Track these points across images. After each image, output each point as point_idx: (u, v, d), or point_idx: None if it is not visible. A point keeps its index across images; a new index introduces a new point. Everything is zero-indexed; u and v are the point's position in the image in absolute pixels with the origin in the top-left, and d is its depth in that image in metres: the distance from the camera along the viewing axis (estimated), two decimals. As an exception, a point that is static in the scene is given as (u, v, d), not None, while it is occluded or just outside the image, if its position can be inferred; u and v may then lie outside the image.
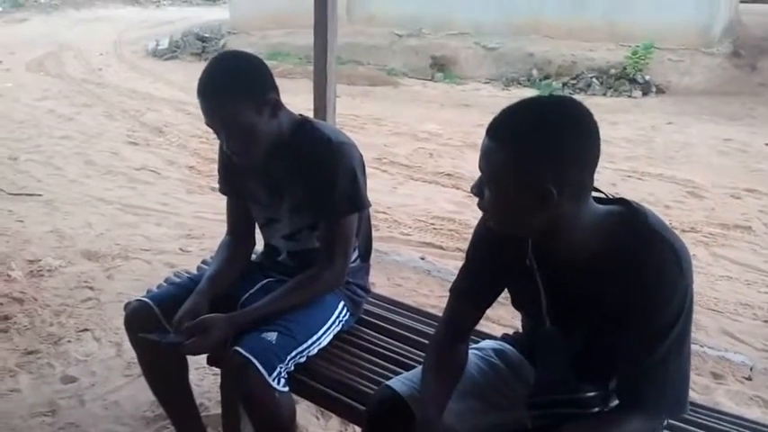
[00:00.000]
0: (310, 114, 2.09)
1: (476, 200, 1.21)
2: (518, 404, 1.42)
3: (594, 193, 1.21)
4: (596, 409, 1.26)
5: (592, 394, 1.33)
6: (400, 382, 1.41)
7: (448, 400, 1.31)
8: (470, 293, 1.40)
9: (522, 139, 1.10)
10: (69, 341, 2.77)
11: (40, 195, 4.69)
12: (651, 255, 1.13)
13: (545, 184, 1.08)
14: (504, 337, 1.60)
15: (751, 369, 2.70)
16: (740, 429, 1.56)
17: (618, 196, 1.23)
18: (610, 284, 1.16)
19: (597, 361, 1.28)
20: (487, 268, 1.36)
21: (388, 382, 1.44)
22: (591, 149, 1.12)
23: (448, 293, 1.45)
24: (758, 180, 5.27)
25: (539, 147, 1.09)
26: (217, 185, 1.99)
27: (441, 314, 1.96)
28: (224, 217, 1.98)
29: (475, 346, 1.57)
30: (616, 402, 1.31)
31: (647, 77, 8.65)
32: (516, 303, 1.42)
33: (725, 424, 1.58)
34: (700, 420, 1.58)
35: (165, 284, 1.99)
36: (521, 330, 1.56)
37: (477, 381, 1.42)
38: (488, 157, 1.14)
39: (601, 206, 1.19)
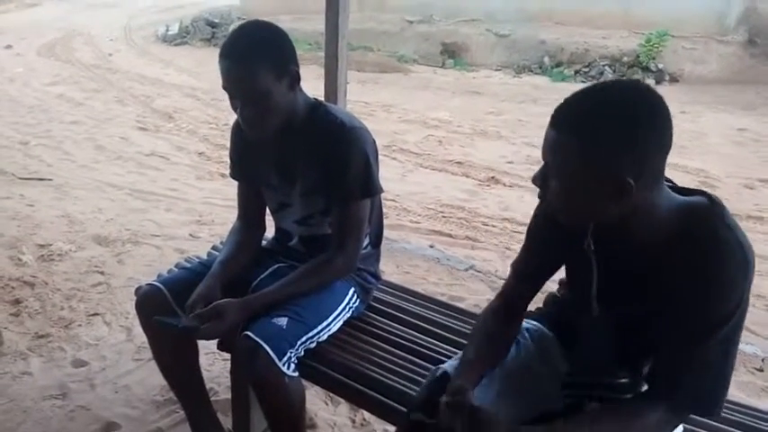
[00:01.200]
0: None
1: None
2: (550, 384, 1.40)
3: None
4: (628, 396, 1.24)
5: (625, 380, 1.32)
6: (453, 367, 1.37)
7: (486, 369, 1.29)
8: (527, 271, 1.41)
9: (597, 128, 1.05)
10: (80, 325, 2.79)
11: (50, 180, 4.71)
12: (721, 250, 1.09)
13: (623, 176, 1.04)
14: (529, 314, 1.56)
15: (763, 360, 2.68)
16: (752, 420, 1.55)
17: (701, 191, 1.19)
18: (670, 274, 1.13)
19: (637, 349, 1.27)
20: (545, 249, 1.36)
21: (443, 367, 1.40)
22: (667, 134, 1.07)
23: (508, 268, 1.46)
24: (772, 170, 5.22)
25: (614, 136, 1.04)
26: (226, 171, 1.98)
27: (450, 302, 1.96)
28: (234, 203, 1.98)
29: None
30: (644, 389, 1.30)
31: (661, 66, 8.56)
32: (569, 280, 1.43)
33: (737, 414, 1.57)
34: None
35: (175, 269, 1.99)
36: (542, 307, 1.56)
37: (508, 364, 1.40)
38: (557, 148, 1.09)
39: (678, 196, 1.15)
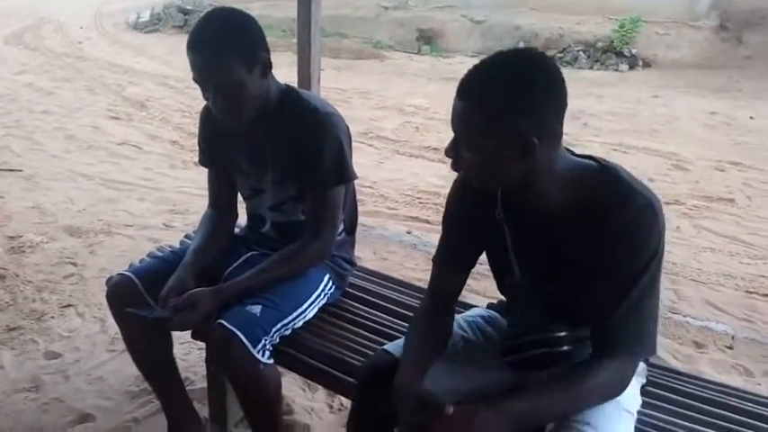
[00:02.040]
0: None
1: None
2: (496, 366, 1.40)
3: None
4: (566, 348, 1.25)
5: (562, 334, 1.30)
6: (398, 347, 1.41)
7: (428, 366, 1.31)
8: (450, 258, 1.42)
9: (499, 94, 1.11)
10: (52, 317, 2.75)
11: (20, 171, 4.62)
12: (625, 203, 1.15)
13: (528, 136, 1.10)
14: (491, 306, 1.60)
15: (732, 338, 2.74)
16: (723, 396, 1.58)
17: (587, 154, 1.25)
18: (582, 232, 1.18)
19: (566, 306, 1.28)
20: (462, 229, 1.38)
21: (385, 347, 1.44)
22: (562, 97, 1.14)
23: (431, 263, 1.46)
24: (742, 153, 5.30)
25: (517, 100, 1.10)
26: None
27: (427, 287, 1.96)
28: (207, 192, 1.96)
29: (464, 314, 1.57)
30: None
31: (634, 51, 8.64)
32: (491, 261, 1.43)
33: (708, 392, 1.59)
34: (684, 388, 1.60)
35: (147, 259, 1.97)
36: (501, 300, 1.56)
37: (458, 346, 1.43)
38: (464, 117, 1.14)
39: (575, 158, 1.22)
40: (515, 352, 1.32)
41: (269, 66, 1.63)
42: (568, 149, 1.22)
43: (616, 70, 8.47)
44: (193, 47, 1.55)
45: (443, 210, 1.43)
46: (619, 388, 1.23)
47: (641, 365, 1.41)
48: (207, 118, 1.83)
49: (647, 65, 8.61)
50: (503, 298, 1.56)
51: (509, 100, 1.10)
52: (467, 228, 1.37)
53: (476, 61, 1.20)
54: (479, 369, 1.40)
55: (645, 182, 1.23)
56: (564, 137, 1.18)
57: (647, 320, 1.21)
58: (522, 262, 1.33)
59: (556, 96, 1.13)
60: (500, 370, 1.39)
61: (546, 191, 1.19)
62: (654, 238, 1.16)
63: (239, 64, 1.55)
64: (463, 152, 1.17)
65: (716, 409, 1.52)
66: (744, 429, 1.46)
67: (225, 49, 1.53)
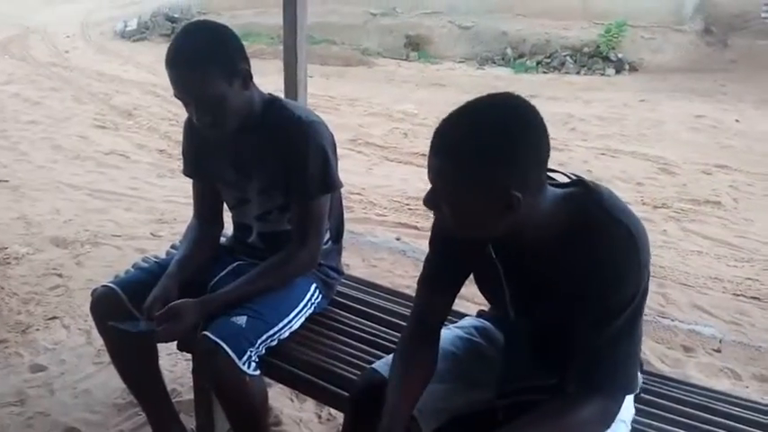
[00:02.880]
0: (282, 95, 2.05)
1: None
2: (488, 385, 1.41)
3: (554, 174, 1.21)
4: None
5: (553, 381, 1.31)
6: (386, 366, 1.37)
7: (414, 402, 1.28)
8: (437, 282, 1.36)
9: (475, 151, 1.06)
10: (38, 329, 2.72)
11: (6, 182, 4.58)
12: (605, 235, 1.12)
13: (509, 192, 1.06)
14: (481, 314, 1.59)
15: (720, 341, 2.75)
16: (712, 402, 1.58)
17: (576, 176, 1.21)
18: (566, 267, 1.16)
19: (558, 349, 1.27)
20: (451, 256, 1.33)
21: (374, 366, 1.41)
22: (543, 144, 1.10)
23: (416, 284, 1.41)
24: (728, 156, 5.34)
25: (494, 156, 1.05)
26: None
27: (412, 309, 1.95)
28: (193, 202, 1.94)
29: (456, 324, 1.56)
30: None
31: (620, 55, 8.68)
32: (481, 289, 1.40)
33: (697, 397, 1.60)
34: (671, 393, 1.60)
35: (132, 270, 1.95)
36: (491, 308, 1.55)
37: (450, 364, 1.39)
38: (441, 174, 1.10)
39: (558, 190, 1.18)
40: (510, 395, 1.34)
41: (249, 77, 1.62)
42: (551, 174, 1.19)
43: (603, 75, 8.51)
44: (172, 64, 1.54)
45: (432, 229, 1.37)
46: (602, 426, 1.20)
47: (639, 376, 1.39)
48: (191, 128, 1.83)
49: (633, 69, 8.66)
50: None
51: (486, 157, 1.05)
52: (455, 254, 1.32)
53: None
54: (470, 387, 1.39)
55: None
56: (552, 141, 1.14)
57: (625, 357, 1.17)
58: (515, 301, 1.30)
59: (536, 145, 1.09)
60: (489, 388, 1.39)
61: (534, 230, 1.15)
62: (634, 272, 1.12)
63: (219, 78, 1.54)
64: (442, 205, 1.13)
65: (705, 415, 1.52)
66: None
67: (203, 65, 1.53)
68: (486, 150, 1.05)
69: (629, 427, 1.34)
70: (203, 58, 1.53)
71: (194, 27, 1.64)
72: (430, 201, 1.14)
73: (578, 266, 1.14)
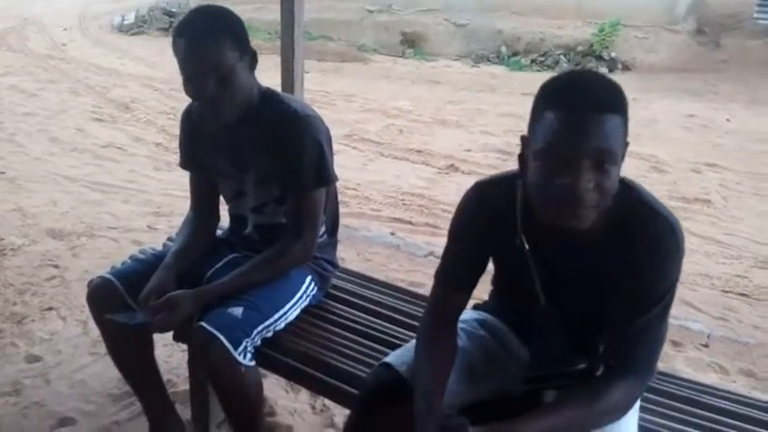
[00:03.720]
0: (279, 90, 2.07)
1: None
2: (510, 379, 1.43)
3: None
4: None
5: (583, 366, 1.35)
6: (399, 360, 1.37)
7: (443, 391, 1.27)
8: (456, 277, 1.36)
9: (624, 101, 1.13)
10: (33, 320, 2.74)
11: (2, 173, 4.59)
12: (649, 228, 1.16)
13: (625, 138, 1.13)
14: (477, 306, 1.59)
15: (708, 337, 2.79)
16: (700, 395, 1.62)
17: None
18: (607, 258, 1.19)
19: (590, 333, 1.31)
20: (473, 250, 1.33)
21: (386, 360, 1.39)
22: None
23: (433, 278, 1.40)
24: (719, 155, 5.39)
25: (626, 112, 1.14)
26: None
27: (409, 288, 1.97)
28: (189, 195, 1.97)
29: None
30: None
31: (614, 54, 8.72)
32: (503, 281, 1.42)
33: (685, 390, 1.63)
34: (660, 387, 1.63)
35: (129, 261, 1.97)
36: (488, 300, 1.58)
37: (460, 358, 1.39)
38: (612, 129, 1.09)
39: None
40: (538, 381, 1.36)
41: (255, 60, 1.66)
42: None
43: (597, 73, 8.55)
44: (185, 34, 1.57)
45: (453, 222, 1.36)
46: (626, 410, 1.24)
47: None
48: (188, 121, 1.85)
49: (626, 68, 8.70)
50: (486, 298, 1.58)
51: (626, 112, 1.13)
52: (480, 249, 1.33)
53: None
54: (478, 380, 1.41)
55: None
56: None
57: (657, 345, 1.22)
58: (549, 291, 1.31)
59: None
60: (498, 380, 1.42)
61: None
62: (675, 265, 1.17)
63: (232, 48, 1.57)
64: (609, 170, 1.10)
65: (693, 408, 1.56)
66: (720, 427, 1.50)
67: (219, 33, 1.56)
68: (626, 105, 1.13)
69: (638, 415, 1.37)
70: (218, 27, 1.57)
71: (202, 7, 1.66)
72: (589, 177, 1.08)
73: (621, 259, 1.17)
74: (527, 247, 1.26)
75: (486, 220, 1.29)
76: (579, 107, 1.08)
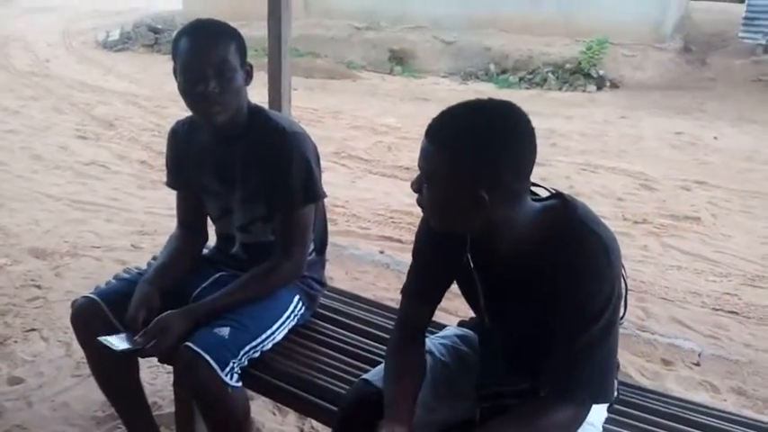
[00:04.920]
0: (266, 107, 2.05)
1: None
2: (472, 394, 1.43)
3: (534, 188, 1.24)
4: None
5: (527, 386, 1.33)
6: (377, 376, 1.40)
7: (411, 403, 1.30)
8: (419, 291, 1.42)
9: (460, 143, 1.12)
10: (15, 341, 2.67)
11: (-16, 191, 4.53)
12: (579, 246, 1.16)
13: (478, 190, 1.12)
14: (463, 323, 1.61)
15: (699, 355, 2.78)
16: (688, 413, 1.60)
17: (554, 190, 1.26)
18: (541, 277, 1.19)
19: (531, 353, 1.29)
20: (431, 266, 1.38)
21: (364, 377, 1.43)
22: (527, 157, 1.14)
23: (400, 294, 1.46)
24: (707, 172, 5.43)
25: (475, 153, 1.11)
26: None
27: (397, 307, 1.95)
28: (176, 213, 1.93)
29: (439, 334, 1.58)
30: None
31: (601, 72, 8.82)
32: (464, 296, 1.43)
33: (673, 408, 1.62)
34: (649, 405, 1.62)
35: (113, 281, 1.93)
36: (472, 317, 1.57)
37: (437, 374, 1.42)
38: (426, 157, 1.16)
39: (536, 203, 1.22)
40: (488, 398, 1.36)
41: (251, 75, 1.69)
42: (533, 188, 1.23)
43: (584, 91, 8.63)
44: (190, 34, 1.61)
45: (414, 240, 1.42)
46: (571, 431, 1.23)
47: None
48: (174, 138, 1.83)
49: (614, 86, 8.80)
50: (473, 315, 1.57)
51: (467, 151, 1.11)
52: (436, 264, 1.37)
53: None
54: (457, 395, 1.42)
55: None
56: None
57: (597, 367, 1.19)
58: (490, 307, 1.34)
59: (517, 155, 1.13)
60: (471, 399, 1.41)
61: (509, 240, 1.20)
62: (607, 283, 1.16)
63: (235, 52, 1.63)
64: (425, 190, 1.19)
65: (681, 426, 1.54)
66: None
67: (225, 34, 1.63)
68: (470, 148, 1.11)
69: (599, 430, 1.36)
70: (225, 31, 1.64)
71: (202, 19, 1.69)
72: (416, 183, 1.21)
73: (553, 276, 1.17)
74: (472, 265, 1.30)
75: (438, 241, 1.33)
76: None
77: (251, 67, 1.69)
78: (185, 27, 1.65)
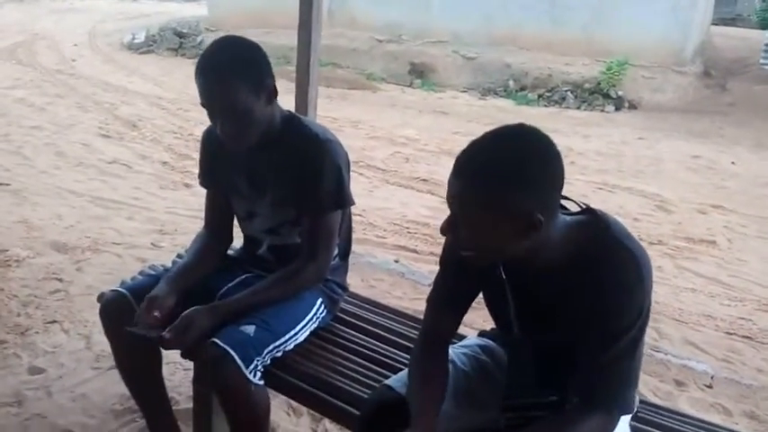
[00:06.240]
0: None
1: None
2: (494, 404, 1.45)
3: (565, 202, 1.27)
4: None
5: (555, 398, 1.36)
6: (400, 382, 1.41)
7: (436, 413, 1.30)
8: (445, 300, 1.42)
9: (500, 173, 1.12)
10: (37, 332, 2.73)
11: (8, 185, 4.60)
12: (611, 261, 1.18)
13: (532, 214, 1.11)
14: (484, 333, 1.63)
15: (712, 378, 2.78)
16: (700, 431, 1.62)
17: (585, 205, 1.28)
18: (573, 291, 1.21)
19: (560, 365, 1.32)
20: (461, 276, 1.38)
21: (387, 382, 1.45)
22: (560, 170, 1.17)
23: (425, 302, 1.46)
24: (724, 197, 5.42)
25: (518, 178, 1.11)
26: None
27: (415, 315, 1.99)
28: (197, 213, 1.98)
29: (460, 343, 1.60)
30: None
31: (620, 93, 8.82)
32: (489, 306, 1.45)
33: (688, 426, 1.63)
34: (664, 423, 1.63)
35: (139, 276, 1.97)
36: (493, 328, 1.59)
37: (460, 384, 1.44)
38: (464, 196, 1.15)
39: (568, 217, 1.24)
40: (515, 409, 1.38)
41: (274, 93, 1.68)
42: (569, 198, 1.25)
43: (602, 111, 8.64)
44: (203, 73, 1.60)
45: (442, 249, 1.41)
46: None
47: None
48: (209, 139, 1.87)
49: (632, 107, 8.80)
50: (494, 326, 1.59)
51: (511, 178, 1.11)
52: (465, 275, 1.36)
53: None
54: (478, 405, 1.43)
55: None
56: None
57: (627, 378, 1.22)
58: (521, 319, 1.35)
59: (554, 171, 1.15)
60: (494, 410, 1.43)
61: (545, 254, 1.20)
62: (638, 297, 1.18)
63: (247, 90, 1.59)
64: (462, 230, 1.17)
65: (696, 445, 1.56)
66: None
67: (233, 76, 1.58)
68: (510, 173, 1.12)
69: None
70: (233, 71, 1.58)
71: (226, 41, 1.69)
72: (448, 226, 1.18)
73: (585, 290, 1.19)
74: (504, 277, 1.31)
75: None
76: None
77: (273, 84, 1.67)
78: (200, 60, 1.62)
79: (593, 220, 1.23)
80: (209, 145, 1.86)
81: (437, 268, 1.45)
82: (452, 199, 1.17)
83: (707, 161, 6.51)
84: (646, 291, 1.19)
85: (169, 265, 2.05)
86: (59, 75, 8.97)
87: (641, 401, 1.71)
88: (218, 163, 1.85)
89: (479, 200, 1.13)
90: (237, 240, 2.01)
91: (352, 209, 1.95)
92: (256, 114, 1.63)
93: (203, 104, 1.63)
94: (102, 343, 1.87)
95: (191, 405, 2.13)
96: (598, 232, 1.21)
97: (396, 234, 4.22)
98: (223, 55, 1.62)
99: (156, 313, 1.65)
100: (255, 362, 1.60)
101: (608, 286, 1.17)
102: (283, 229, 1.83)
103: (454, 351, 1.52)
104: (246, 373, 1.57)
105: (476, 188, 1.13)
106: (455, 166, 1.17)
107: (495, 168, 1.12)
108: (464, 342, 1.61)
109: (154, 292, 1.69)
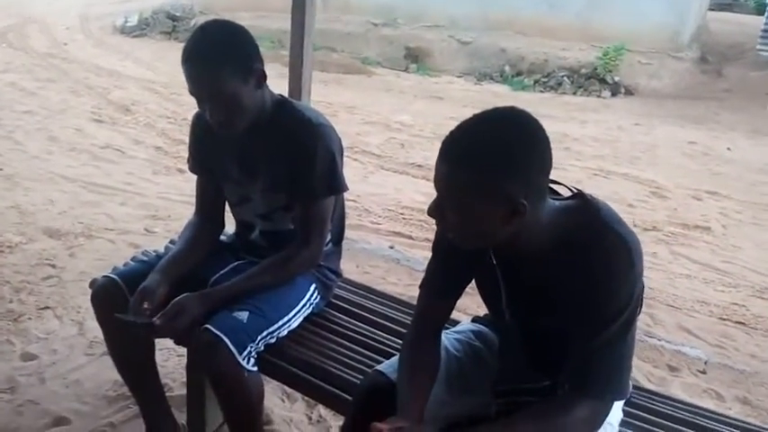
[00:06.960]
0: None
1: None
2: (486, 390, 1.45)
3: (557, 187, 1.26)
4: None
5: (547, 383, 1.36)
6: (391, 368, 1.41)
7: (425, 400, 1.30)
8: (439, 286, 1.41)
9: (485, 157, 1.10)
10: (30, 318, 2.72)
11: (0, 170, 4.56)
12: (601, 245, 1.17)
13: (516, 198, 1.10)
14: (477, 319, 1.62)
15: (705, 363, 2.79)
16: (696, 417, 1.62)
17: (576, 189, 1.26)
18: (563, 276, 1.20)
19: (551, 352, 1.31)
20: (453, 262, 1.37)
21: (378, 368, 1.44)
22: (547, 155, 1.14)
23: (418, 288, 1.45)
24: (719, 183, 5.42)
25: (503, 162, 1.10)
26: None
27: (409, 300, 1.98)
28: (190, 199, 1.95)
29: (454, 329, 1.59)
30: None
31: (617, 78, 8.80)
32: (480, 291, 1.45)
33: (681, 412, 1.64)
34: (657, 408, 1.64)
35: (132, 262, 1.96)
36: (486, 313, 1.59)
37: (452, 369, 1.43)
38: (449, 180, 1.13)
39: (557, 202, 1.23)
40: (506, 395, 1.38)
41: (263, 77, 1.65)
42: (552, 186, 1.23)
43: (599, 96, 8.62)
44: (189, 59, 1.56)
45: (435, 235, 1.40)
46: (591, 428, 1.24)
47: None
48: (198, 124, 1.84)
49: (629, 92, 8.78)
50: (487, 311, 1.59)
51: (496, 163, 1.09)
52: (457, 261, 1.35)
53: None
54: (470, 390, 1.43)
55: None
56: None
57: (619, 363, 1.21)
58: (512, 305, 1.35)
59: (541, 155, 1.13)
60: (486, 395, 1.43)
61: (533, 239, 1.19)
62: (628, 281, 1.16)
63: (234, 76, 1.57)
64: (448, 213, 1.16)
65: (688, 430, 1.56)
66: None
67: (220, 62, 1.55)
68: (495, 157, 1.10)
69: (617, 430, 1.38)
70: (219, 56, 1.55)
71: (211, 25, 1.66)
72: (434, 210, 1.17)
73: (575, 275, 1.18)
74: (495, 262, 1.30)
75: None
76: None
77: (262, 69, 1.64)
78: (186, 47, 1.58)
79: (583, 205, 1.22)
80: (199, 130, 1.84)
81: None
82: (437, 181, 1.16)
83: (702, 147, 6.51)
84: (637, 275, 1.18)
85: (162, 250, 2.03)
86: (51, 59, 8.88)
87: (634, 387, 1.71)
88: (208, 148, 1.82)
89: (462, 184, 1.11)
90: (230, 227, 1.99)
91: (347, 195, 1.93)
92: (245, 100, 1.60)
93: (191, 92, 1.60)
94: (96, 329, 1.86)
95: (184, 391, 2.13)
96: (588, 217, 1.20)
97: (390, 220, 4.21)
98: (208, 41, 1.58)
99: (146, 305, 1.63)
100: (249, 348, 1.59)
101: (598, 271, 1.16)
102: (276, 214, 1.81)
103: (447, 336, 1.52)
104: (240, 359, 1.56)
105: (459, 172, 1.11)
106: (441, 148, 1.15)
107: (478, 152, 1.11)
108: (457, 327, 1.60)
109: (145, 284, 1.67)
